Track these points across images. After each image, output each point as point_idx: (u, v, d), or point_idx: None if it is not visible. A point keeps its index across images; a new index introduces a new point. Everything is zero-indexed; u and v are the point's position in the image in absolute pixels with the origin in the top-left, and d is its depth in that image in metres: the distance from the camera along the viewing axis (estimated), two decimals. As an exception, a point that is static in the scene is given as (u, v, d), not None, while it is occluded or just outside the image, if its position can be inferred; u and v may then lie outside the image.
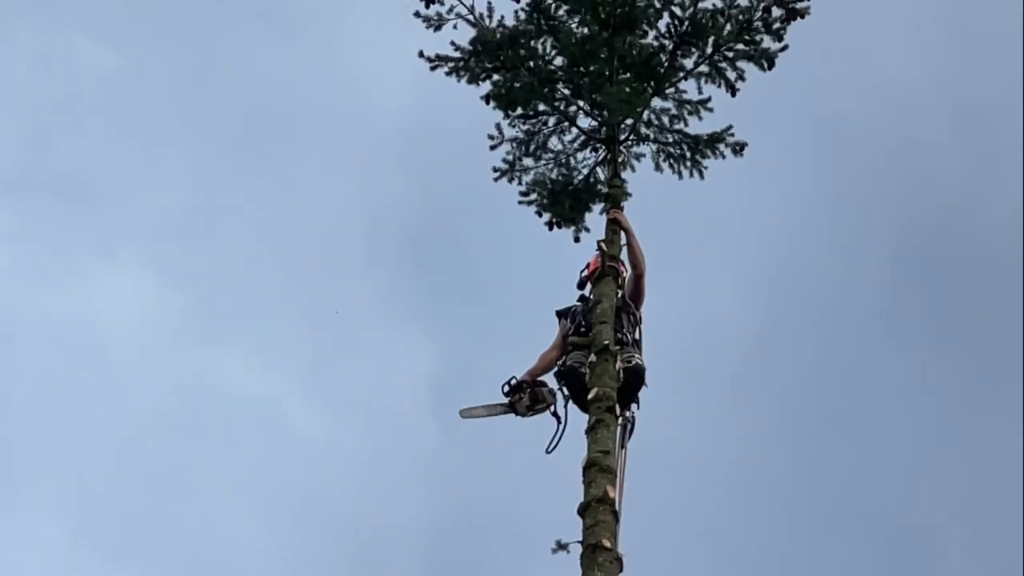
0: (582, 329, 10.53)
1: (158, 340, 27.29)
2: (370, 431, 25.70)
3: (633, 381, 10.04)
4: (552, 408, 10.54)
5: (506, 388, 10.63)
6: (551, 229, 12.22)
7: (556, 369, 10.62)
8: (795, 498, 23.45)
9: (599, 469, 8.97)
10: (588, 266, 11.16)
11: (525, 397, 10.57)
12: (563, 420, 10.39)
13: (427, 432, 23.93)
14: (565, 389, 10.42)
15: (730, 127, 12.03)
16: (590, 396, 9.60)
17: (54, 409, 25.35)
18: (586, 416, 9.67)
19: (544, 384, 10.63)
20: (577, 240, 12.11)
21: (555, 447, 10.36)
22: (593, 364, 9.84)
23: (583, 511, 8.77)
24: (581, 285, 11.11)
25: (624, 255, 10.88)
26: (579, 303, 10.97)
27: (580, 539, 8.54)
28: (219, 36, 29.18)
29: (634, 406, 10.08)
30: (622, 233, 10.86)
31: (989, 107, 28.64)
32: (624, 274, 10.80)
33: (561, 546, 8.55)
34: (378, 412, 25.62)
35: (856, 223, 27.74)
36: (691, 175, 12.19)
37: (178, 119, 28.73)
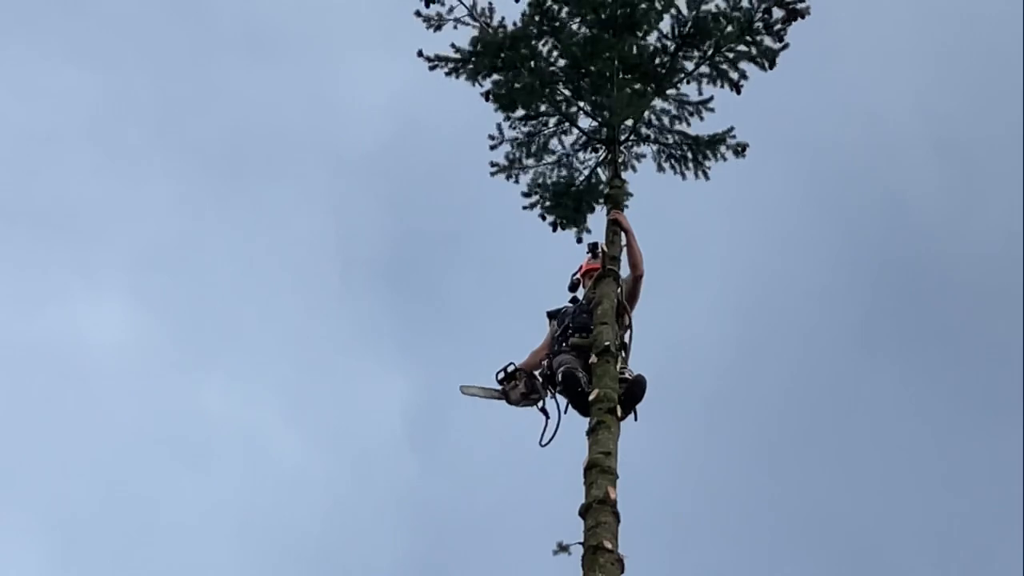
0: (569, 331, 10.56)
1: (138, 367, 27.53)
2: (347, 461, 26.05)
3: (636, 393, 10.04)
4: (543, 403, 10.57)
5: (501, 375, 10.65)
6: (555, 230, 12.22)
7: (542, 371, 10.64)
8: (772, 516, 23.54)
9: (600, 470, 8.94)
10: (580, 268, 11.21)
11: (521, 385, 10.60)
12: (550, 416, 10.48)
13: (404, 462, 24.20)
14: (552, 388, 10.46)
15: (731, 128, 12.02)
16: (592, 397, 9.56)
17: (34, 434, 25.52)
18: (577, 416, 9.76)
19: (537, 378, 10.64)
20: (580, 241, 12.12)
21: (550, 440, 10.42)
22: (594, 365, 9.83)
23: (584, 512, 8.74)
24: (573, 287, 11.15)
25: (624, 257, 10.87)
26: (570, 304, 10.98)
27: (581, 540, 8.51)
28: (199, 65, 29.42)
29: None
30: (623, 234, 10.84)
31: (971, 137, 28.71)
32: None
33: (562, 547, 8.52)
34: (355, 442, 26.02)
35: (835, 244, 27.82)
36: (696, 176, 12.18)
37: (159, 147, 28.98)
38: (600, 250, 10.92)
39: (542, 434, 10.46)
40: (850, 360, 26.88)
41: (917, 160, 28.39)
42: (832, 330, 26.77)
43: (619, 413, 9.45)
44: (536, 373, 10.69)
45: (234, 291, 27.79)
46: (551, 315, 11.00)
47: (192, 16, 29.38)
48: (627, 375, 10.11)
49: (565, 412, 10.38)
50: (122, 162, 28.66)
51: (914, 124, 28.50)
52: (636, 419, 10.03)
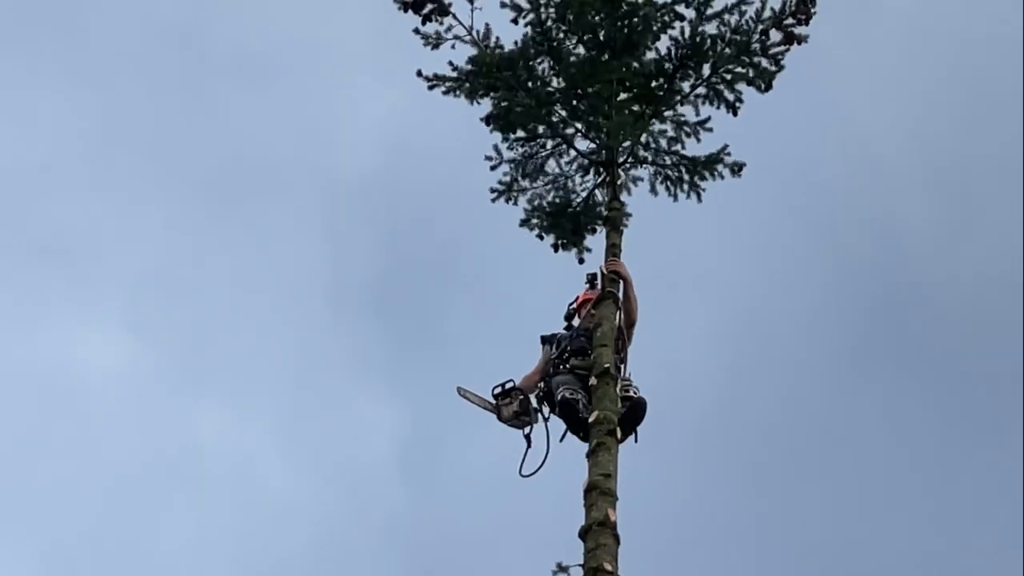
0: (567, 354, 10.60)
1: (132, 393, 27.61)
2: (338, 488, 26.12)
3: (637, 415, 10.04)
4: (530, 429, 10.58)
5: (498, 390, 10.66)
6: (556, 251, 12.22)
7: (537, 393, 10.66)
8: (766, 539, 23.60)
9: (600, 492, 8.94)
10: (577, 299, 11.28)
11: (515, 404, 10.60)
12: (531, 445, 10.51)
13: (394, 489, 24.27)
14: (545, 410, 10.49)
15: (726, 147, 12.04)
16: (591, 419, 9.58)
17: (27, 462, 25.51)
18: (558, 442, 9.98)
19: (530, 401, 10.66)
20: (581, 262, 12.11)
21: (536, 471, 10.43)
22: (594, 387, 9.83)
23: (584, 534, 8.74)
24: (568, 317, 11.22)
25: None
26: (564, 331, 11.03)
27: (581, 563, 8.51)
28: (192, 91, 29.56)
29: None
30: (621, 283, 10.82)
31: (962, 164, 28.82)
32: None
33: (562, 569, 8.53)
34: (347, 468, 26.10)
35: (826, 268, 27.91)
36: (688, 197, 12.20)
37: (152, 173, 29.07)
38: (600, 273, 10.93)
39: (522, 463, 10.49)
40: (841, 384, 26.99)
41: (908, 186, 28.53)
42: (823, 354, 26.90)
43: (619, 435, 9.48)
44: (531, 396, 10.70)
45: (227, 317, 27.94)
46: (545, 339, 11.03)
47: (185, 42, 29.55)
48: (631, 393, 10.11)
49: (561, 440, 10.38)
50: (116, 188, 28.84)
51: (906, 150, 28.66)
52: (636, 440, 10.04)
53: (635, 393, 10.16)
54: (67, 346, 27.99)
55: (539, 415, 10.62)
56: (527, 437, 10.57)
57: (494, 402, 10.68)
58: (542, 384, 10.67)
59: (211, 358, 27.64)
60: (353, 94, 28.81)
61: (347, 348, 27.70)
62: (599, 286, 10.88)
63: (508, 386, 10.68)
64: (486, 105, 11.97)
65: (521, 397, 10.63)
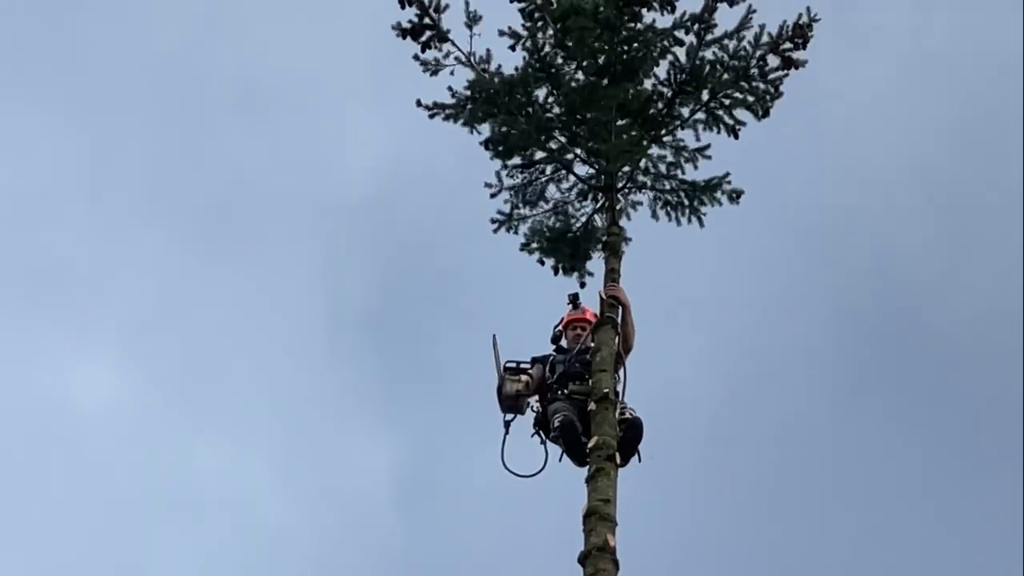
0: (564, 378, 10.60)
1: (128, 426, 27.61)
2: (334, 521, 25.99)
3: (634, 436, 10.02)
4: (512, 417, 10.67)
5: (512, 365, 10.76)
6: (556, 274, 12.22)
7: (536, 414, 10.68)
8: (764, 568, 23.51)
9: (599, 518, 8.93)
10: (561, 320, 11.29)
11: (520, 384, 10.66)
12: (508, 432, 10.62)
13: (390, 523, 24.26)
14: (541, 434, 10.54)
15: (727, 174, 12.05)
16: (590, 444, 9.57)
17: (23, 492, 25.46)
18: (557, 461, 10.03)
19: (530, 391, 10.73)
20: (583, 286, 12.11)
21: (537, 473, 10.50)
22: (592, 412, 9.83)
23: (583, 560, 8.72)
24: (555, 339, 11.22)
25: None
26: (556, 354, 11.03)
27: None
28: (187, 124, 29.67)
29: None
30: (620, 308, 10.81)
31: (963, 194, 28.82)
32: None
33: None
34: (343, 501, 26.01)
35: (826, 298, 27.89)
36: (689, 222, 12.20)
37: (150, 205, 29.20)
38: (599, 299, 10.90)
39: (502, 448, 10.55)
40: (840, 410, 26.96)
41: (908, 211, 28.51)
42: (822, 380, 26.87)
43: (618, 460, 9.46)
44: (532, 400, 10.74)
45: (224, 350, 28.03)
46: (537, 360, 11.03)
47: (182, 74, 29.68)
48: (627, 415, 10.11)
49: (560, 460, 10.37)
50: (114, 218, 28.89)
51: (905, 175, 28.65)
52: (640, 460, 10.06)
53: (631, 414, 10.15)
54: (63, 376, 28.10)
55: (528, 408, 10.69)
56: (507, 424, 10.64)
57: (503, 373, 10.70)
58: (538, 406, 10.68)
59: (208, 389, 27.74)
60: (348, 125, 29.03)
61: (343, 379, 27.82)
62: (587, 309, 10.97)
63: (523, 366, 10.76)
64: (484, 131, 12.01)
65: (528, 381, 10.68)
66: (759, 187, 12.15)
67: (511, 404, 10.66)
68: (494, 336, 10.87)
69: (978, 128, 28.43)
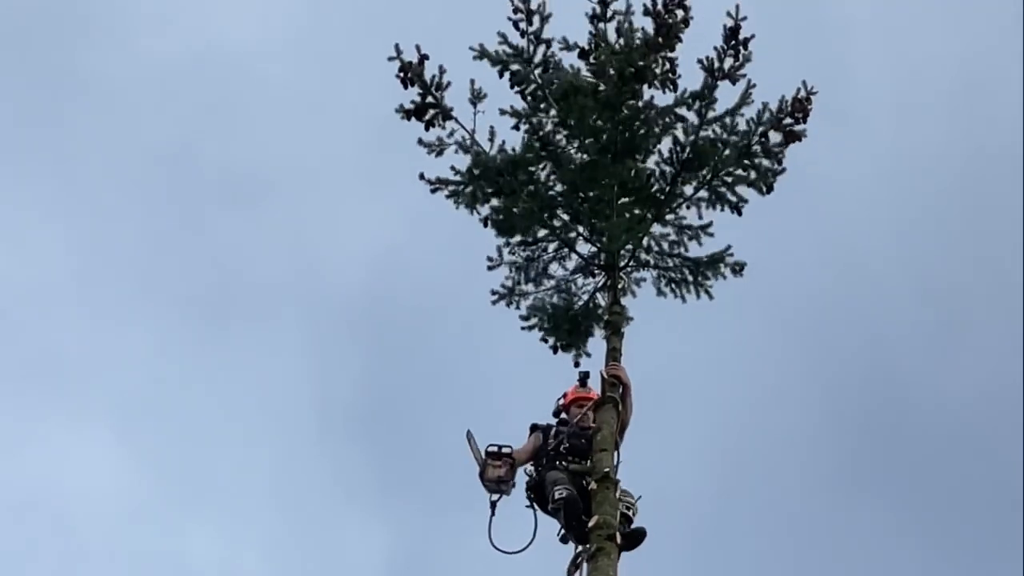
0: (563, 450, 10.50)
1: (122, 514, 27.60)
2: None
3: (637, 542, 9.89)
4: (498, 498, 10.47)
5: (493, 449, 10.52)
6: (555, 352, 12.10)
7: (528, 480, 10.56)
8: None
9: (600, 598, 8.84)
10: (565, 396, 11.19)
11: (502, 469, 10.45)
12: (494, 514, 10.39)
13: None
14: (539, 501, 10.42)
15: (729, 247, 11.98)
16: (591, 524, 9.51)
17: (16, 577, 25.27)
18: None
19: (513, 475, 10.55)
20: (577, 364, 11.97)
21: (524, 549, 10.27)
22: (594, 491, 9.78)
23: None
24: (557, 413, 11.11)
25: None
26: (558, 425, 10.93)
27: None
28: (181, 213, 29.94)
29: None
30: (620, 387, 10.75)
31: (954, 282, 28.68)
32: None
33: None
34: None
35: (819, 387, 27.62)
36: (697, 297, 12.10)
37: (143, 296, 29.46)
38: (600, 377, 10.84)
39: (489, 527, 10.35)
40: (834, 504, 26.65)
41: (900, 304, 28.32)
42: (816, 475, 26.57)
43: (618, 540, 9.35)
44: (520, 468, 10.61)
45: (217, 438, 28.05)
46: (537, 427, 10.91)
47: (172, 164, 29.98)
48: (631, 513, 10.04)
49: (560, 538, 10.20)
50: (105, 310, 29.15)
51: (897, 268, 28.50)
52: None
53: (634, 514, 10.06)
54: (57, 466, 28.13)
55: (511, 489, 10.51)
56: (493, 504, 10.45)
57: (484, 459, 10.54)
58: (533, 471, 10.56)
59: (201, 479, 27.70)
60: (340, 216, 29.20)
61: (334, 469, 27.81)
62: (599, 390, 10.78)
63: (504, 451, 10.56)
64: (485, 209, 11.98)
65: (510, 463, 10.49)
66: (749, 274, 12.09)
67: (494, 487, 10.52)
68: (468, 432, 10.71)
69: (968, 214, 28.36)
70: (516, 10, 11.60)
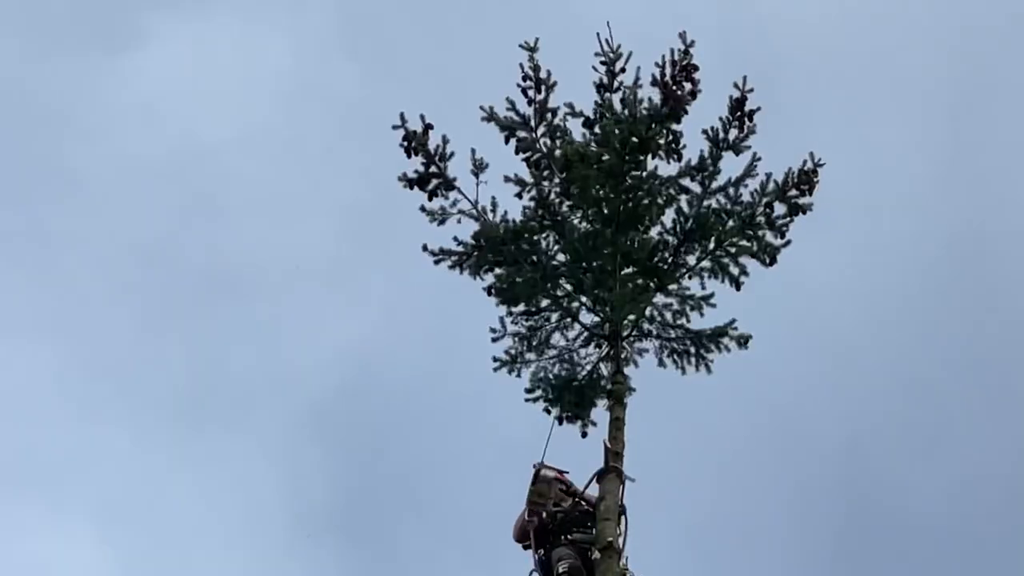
0: (566, 525, 10.63)
1: None
2: None
3: None
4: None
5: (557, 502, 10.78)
6: (560, 424, 12.00)
7: (538, 557, 10.65)
8: None
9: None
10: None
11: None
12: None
13: None
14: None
15: (733, 321, 11.93)
16: (596, 593, 9.52)
17: None
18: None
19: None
20: (584, 435, 11.89)
21: None
22: (597, 561, 9.84)
23: None
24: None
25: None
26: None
27: None
28: (156, 316, 30.15)
29: None
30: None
31: (933, 377, 28.65)
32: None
33: None
34: None
35: (797, 484, 27.48)
36: (696, 370, 12.05)
37: (120, 392, 29.69)
38: (604, 447, 10.80)
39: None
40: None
41: (878, 400, 28.19)
42: (789, 571, 26.37)
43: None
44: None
45: (195, 537, 28.02)
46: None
47: (152, 262, 30.21)
48: None
49: None
50: (85, 408, 29.30)
51: (875, 352, 28.40)
52: None
53: None
54: (41, 563, 28.02)
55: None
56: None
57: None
58: (541, 552, 10.63)
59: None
60: (314, 311, 29.34)
61: (305, 572, 27.68)
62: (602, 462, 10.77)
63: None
64: (488, 279, 11.97)
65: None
66: (724, 364, 12.10)
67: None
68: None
69: (949, 307, 28.35)
70: (525, 77, 11.64)
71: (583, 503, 10.69)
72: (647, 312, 11.95)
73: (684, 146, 11.72)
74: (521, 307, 12.07)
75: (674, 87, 11.45)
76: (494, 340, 12.11)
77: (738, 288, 11.91)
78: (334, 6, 33.12)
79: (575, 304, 12.02)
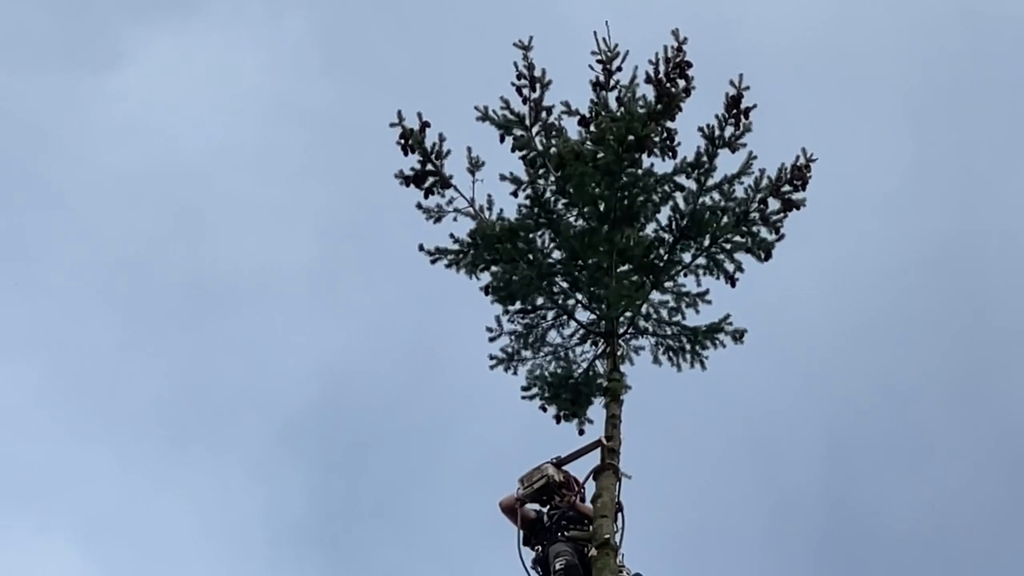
0: (563, 522, 10.60)
1: None
2: None
3: None
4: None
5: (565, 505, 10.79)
6: (558, 423, 12.02)
7: (536, 554, 10.62)
8: None
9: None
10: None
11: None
12: None
13: None
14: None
15: (728, 316, 11.96)
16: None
17: None
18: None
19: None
20: (581, 433, 11.90)
21: None
22: (594, 558, 9.86)
23: None
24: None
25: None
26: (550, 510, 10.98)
27: None
28: (141, 326, 30.21)
29: None
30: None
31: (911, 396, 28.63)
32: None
33: None
34: None
35: (769, 508, 27.44)
36: (691, 367, 12.07)
37: (102, 407, 29.79)
38: (600, 444, 10.86)
39: None
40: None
41: (860, 405, 28.10)
42: None
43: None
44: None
45: (177, 553, 28.05)
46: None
47: (134, 277, 30.27)
48: (625, 574, 10.11)
49: None
50: (68, 425, 29.35)
51: (857, 368, 28.33)
52: None
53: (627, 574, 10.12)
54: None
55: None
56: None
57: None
58: (539, 548, 10.61)
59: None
60: (294, 326, 29.43)
61: None
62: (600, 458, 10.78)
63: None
64: (484, 278, 11.98)
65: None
66: (703, 379, 12.15)
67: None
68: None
69: (921, 311, 28.32)
70: (520, 75, 11.67)
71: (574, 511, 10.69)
72: (643, 309, 11.97)
73: (679, 143, 11.77)
74: (517, 305, 12.09)
75: (668, 84, 11.49)
76: (491, 339, 12.15)
77: (733, 284, 11.93)
78: (311, 20, 33.35)
79: (571, 302, 12.03)
